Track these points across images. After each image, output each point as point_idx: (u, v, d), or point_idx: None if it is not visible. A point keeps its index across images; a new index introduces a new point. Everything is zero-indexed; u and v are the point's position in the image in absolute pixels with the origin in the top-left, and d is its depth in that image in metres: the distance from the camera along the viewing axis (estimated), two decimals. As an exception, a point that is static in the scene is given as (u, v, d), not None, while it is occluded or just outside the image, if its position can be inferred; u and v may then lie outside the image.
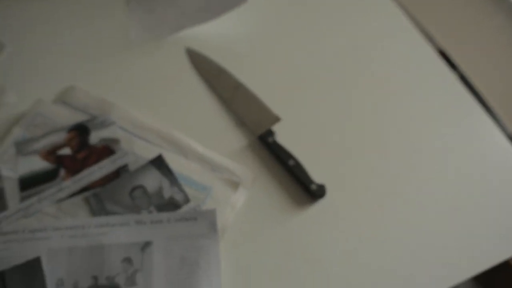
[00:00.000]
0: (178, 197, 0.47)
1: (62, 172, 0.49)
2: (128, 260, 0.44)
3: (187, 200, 0.47)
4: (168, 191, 0.48)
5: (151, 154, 0.50)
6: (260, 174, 0.51)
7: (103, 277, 0.43)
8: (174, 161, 0.49)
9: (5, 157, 0.49)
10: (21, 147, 0.50)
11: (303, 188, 0.50)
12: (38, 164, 0.49)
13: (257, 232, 0.48)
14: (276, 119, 0.53)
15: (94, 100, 0.54)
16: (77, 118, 0.52)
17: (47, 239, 0.44)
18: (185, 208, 0.47)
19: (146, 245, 0.44)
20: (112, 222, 0.45)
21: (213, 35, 0.59)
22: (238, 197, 0.49)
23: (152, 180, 0.48)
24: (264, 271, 0.46)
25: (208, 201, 0.48)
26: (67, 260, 0.43)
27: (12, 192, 0.47)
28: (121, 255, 0.44)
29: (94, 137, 0.51)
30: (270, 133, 0.52)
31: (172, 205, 0.47)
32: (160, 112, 0.53)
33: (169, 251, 0.44)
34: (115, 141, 0.51)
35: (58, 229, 0.45)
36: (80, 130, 0.51)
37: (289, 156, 0.51)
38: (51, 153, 0.50)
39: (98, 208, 0.47)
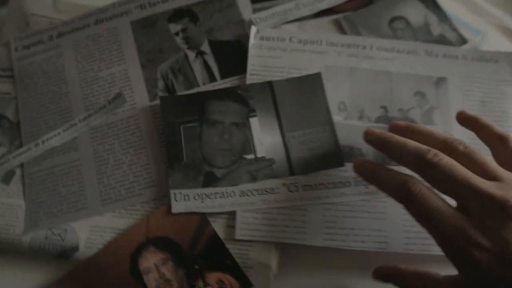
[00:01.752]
0: (451, 36, 0.38)
1: (300, -10, 0.40)
2: (421, 94, 0.35)
3: (463, 41, 0.38)
4: (437, 28, 0.38)
5: (410, -16, 0.40)
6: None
7: (394, 109, 0.35)
8: (436, -3, 0.40)
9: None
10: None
11: None
12: (271, -22, 0.40)
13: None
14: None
15: None
16: None
17: (322, 53, 0.36)
18: (459, 50, 0.37)
19: (439, 81, 0.35)
20: (398, 47, 0.36)
21: None
22: (516, 49, 0.39)
23: (415, 13, 0.39)
24: None
25: (483, 47, 0.38)
26: (348, 82, 0.35)
27: (244, 3, 0.39)
28: (412, 87, 0.35)
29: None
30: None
31: (443, 44, 0.37)
32: None
33: (466, 91, 0.35)
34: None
35: (333, 44, 0.37)
36: None
37: None
38: (284, -32, 0.41)
39: (352, 34, 0.38)
